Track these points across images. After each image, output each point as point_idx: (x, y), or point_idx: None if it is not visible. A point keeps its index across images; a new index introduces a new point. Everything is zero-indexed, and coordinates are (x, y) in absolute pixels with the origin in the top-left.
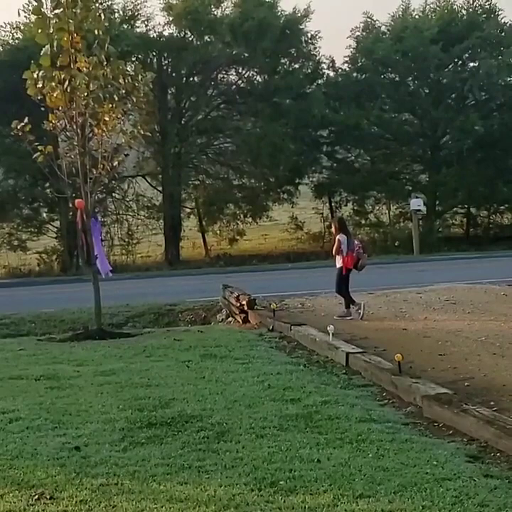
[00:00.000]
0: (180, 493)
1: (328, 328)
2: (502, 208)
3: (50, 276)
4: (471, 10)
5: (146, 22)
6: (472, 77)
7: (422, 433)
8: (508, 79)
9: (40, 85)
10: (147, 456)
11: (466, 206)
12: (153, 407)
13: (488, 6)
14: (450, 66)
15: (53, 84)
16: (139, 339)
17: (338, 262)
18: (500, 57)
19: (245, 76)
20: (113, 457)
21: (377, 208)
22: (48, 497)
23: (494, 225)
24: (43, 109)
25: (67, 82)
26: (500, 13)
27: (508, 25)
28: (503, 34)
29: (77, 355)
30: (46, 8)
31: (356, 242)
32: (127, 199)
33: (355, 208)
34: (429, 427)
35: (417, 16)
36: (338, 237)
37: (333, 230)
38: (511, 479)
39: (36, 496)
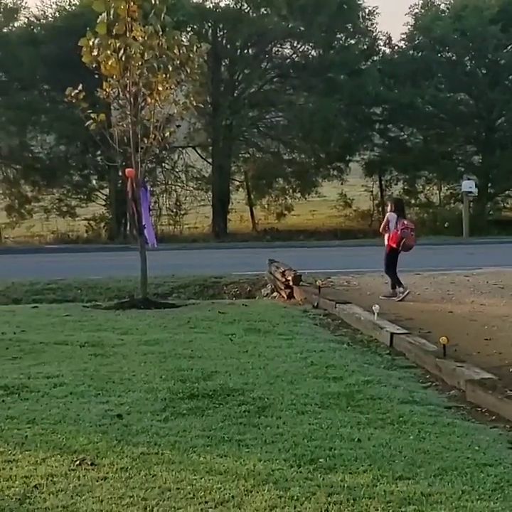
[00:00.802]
0: (219, 465)
1: (373, 307)
2: None
3: (97, 244)
4: None
5: None
6: None
7: (464, 417)
8: None
9: (95, 53)
10: (188, 428)
11: None
12: (196, 379)
13: None
14: (509, 47)
15: (108, 52)
16: (183, 310)
17: (386, 240)
18: None
19: (300, 50)
20: (154, 427)
21: (428, 188)
22: (89, 463)
23: None
24: (96, 77)
25: (122, 51)
26: None
27: None
28: None
29: (121, 323)
30: None
31: (406, 222)
32: (177, 170)
33: (406, 187)
34: (471, 412)
35: None
36: (387, 214)
37: (388, 208)
38: None
39: (77, 462)
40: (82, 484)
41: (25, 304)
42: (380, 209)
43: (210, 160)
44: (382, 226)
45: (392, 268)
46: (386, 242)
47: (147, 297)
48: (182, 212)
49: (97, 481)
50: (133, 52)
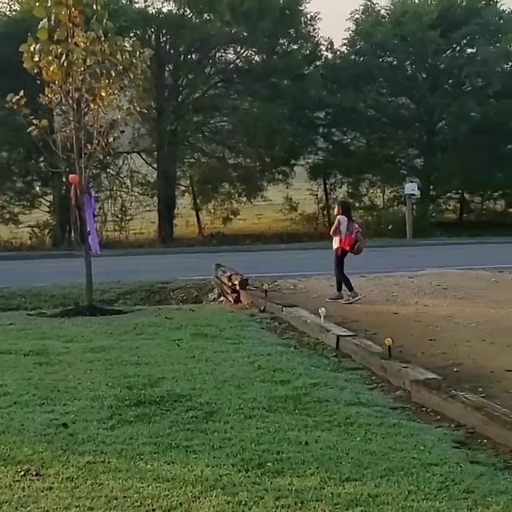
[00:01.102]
0: (167, 472)
1: (319, 310)
2: (496, 194)
3: (41, 251)
4: None
5: None
6: (470, 64)
7: (410, 418)
8: (506, 66)
9: (36, 59)
10: (135, 435)
11: (460, 192)
12: (143, 386)
13: None
14: (448, 52)
15: (50, 58)
16: (129, 316)
17: (335, 243)
18: (498, 44)
19: (244, 55)
20: (100, 435)
21: (372, 191)
22: (34, 473)
23: (487, 212)
24: (38, 82)
25: (64, 57)
26: (499, 0)
27: (506, 12)
28: (501, 21)
29: (67, 331)
30: None
31: (356, 225)
32: (121, 175)
33: (350, 190)
34: (417, 412)
35: (416, 1)
36: (338, 217)
37: (335, 212)
38: (497, 466)
39: (22, 472)
40: (27, 495)
41: None
42: (325, 212)
43: (155, 165)
44: (333, 229)
45: (342, 270)
46: (336, 245)
47: (93, 304)
48: (127, 217)
49: (42, 492)
50: (75, 58)
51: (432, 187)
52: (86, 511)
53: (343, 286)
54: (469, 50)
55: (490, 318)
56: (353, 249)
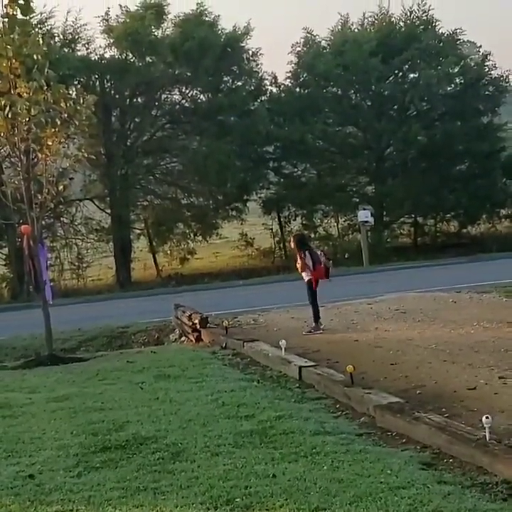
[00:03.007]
0: None
1: (280, 342)
2: (448, 216)
3: (1, 304)
4: (409, 22)
5: (86, 45)
6: (413, 88)
7: (375, 443)
8: (448, 89)
9: None
10: (102, 481)
11: (413, 216)
12: (108, 431)
13: (425, 18)
14: (390, 78)
15: None
16: (91, 363)
17: (306, 277)
18: (439, 67)
19: (189, 95)
20: (68, 483)
21: (326, 221)
22: None
23: (441, 233)
24: None
25: (7, 108)
26: (437, 24)
27: (445, 35)
28: (441, 45)
29: (29, 382)
30: None
31: (319, 252)
32: (76, 223)
33: (304, 222)
34: (382, 437)
35: (356, 30)
36: (302, 258)
37: (291, 245)
38: (464, 484)
39: None
40: None
41: None
42: (281, 246)
43: (108, 211)
44: (300, 267)
45: (316, 301)
46: (307, 278)
47: (53, 353)
48: (84, 265)
49: None
50: (19, 108)
51: (385, 213)
52: None
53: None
54: (411, 75)
55: (449, 338)
56: (328, 276)
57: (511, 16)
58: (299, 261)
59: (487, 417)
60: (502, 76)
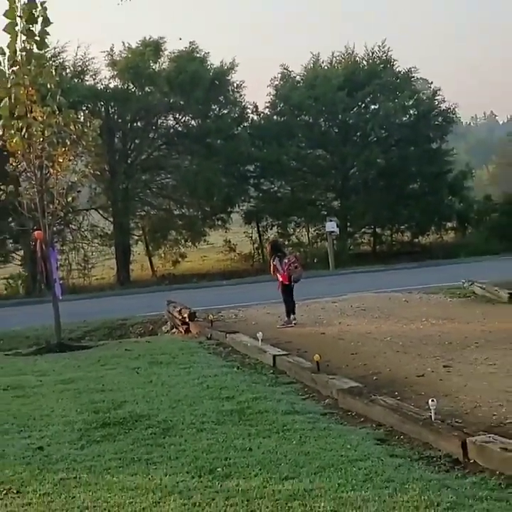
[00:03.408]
0: (130, 483)
1: (257, 334)
2: (402, 227)
3: (16, 299)
4: (370, 61)
5: (93, 76)
6: (373, 118)
7: (337, 421)
8: (403, 119)
9: (0, 133)
10: (102, 452)
11: (372, 227)
12: (107, 409)
13: (385, 57)
14: (355, 109)
15: (12, 131)
16: (94, 351)
17: (279, 278)
18: (396, 100)
19: (182, 121)
20: (72, 454)
21: (298, 230)
22: (15, 491)
23: (396, 242)
24: (4, 153)
25: (24, 130)
26: (395, 63)
27: (401, 73)
28: (398, 81)
29: (40, 366)
30: (4, 65)
31: (288, 260)
32: (82, 229)
33: (279, 231)
34: (343, 416)
35: (325, 67)
36: (273, 262)
37: (268, 250)
38: (413, 457)
39: (4, 491)
40: (9, 511)
41: None
42: (260, 251)
43: (111, 219)
44: (272, 272)
45: (289, 298)
46: (279, 280)
47: (62, 342)
48: (90, 266)
49: (22, 507)
50: (34, 130)
51: (348, 224)
52: None
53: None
54: (372, 107)
55: (402, 332)
56: (291, 281)
57: (458, 58)
58: (273, 268)
59: (433, 400)
60: (449, 108)
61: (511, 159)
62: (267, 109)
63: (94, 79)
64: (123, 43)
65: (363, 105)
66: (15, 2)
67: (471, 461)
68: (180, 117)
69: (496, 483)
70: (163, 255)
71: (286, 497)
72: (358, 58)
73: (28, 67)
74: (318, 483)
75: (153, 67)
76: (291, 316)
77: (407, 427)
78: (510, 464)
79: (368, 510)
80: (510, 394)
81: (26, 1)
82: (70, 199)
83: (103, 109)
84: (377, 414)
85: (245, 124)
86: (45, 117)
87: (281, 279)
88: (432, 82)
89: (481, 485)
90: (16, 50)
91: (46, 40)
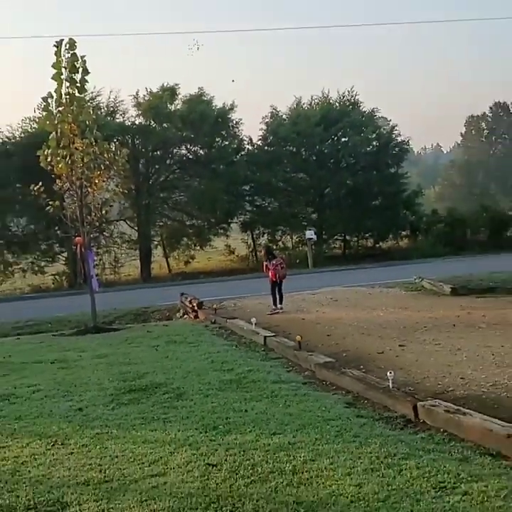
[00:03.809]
0: (151, 437)
1: (251, 320)
2: (366, 235)
3: (61, 291)
4: (342, 103)
5: (122, 115)
6: (344, 148)
7: (315, 389)
8: (368, 149)
9: (49, 159)
10: (128, 413)
11: (342, 235)
12: (133, 378)
13: (353, 100)
14: (329, 141)
15: (58, 158)
16: (122, 332)
17: (269, 275)
18: (362, 134)
19: (192, 150)
20: (105, 414)
21: (284, 237)
22: (60, 443)
23: (362, 247)
24: (52, 176)
25: (68, 157)
26: (361, 105)
27: (366, 112)
28: (363, 119)
29: (79, 344)
30: (52, 106)
31: (276, 261)
32: (113, 236)
33: (269, 237)
34: (319, 385)
35: (306, 108)
36: (265, 262)
37: (262, 253)
38: (375, 418)
39: (52, 443)
40: (56, 459)
41: (11, 337)
42: (254, 254)
43: (136, 228)
44: (264, 270)
45: (274, 292)
46: (269, 277)
47: (97, 325)
48: (119, 265)
49: (66, 456)
50: (76, 157)
51: (324, 233)
52: (96, 467)
53: (271, 301)
54: (343, 139)
55: (366, 318)
56: (277, 278)
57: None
58: (265, 267)
59: (390, 372)
60: (404, 141)
61: (452, 181)
62: (260, 141)
63: (123, 117)
64: (146, 88)
65: (336, 138)
66: (60, 56)
67: (421, 421)
68: (190, 147)
69: (440, 439)
70: (177, 257)
71: (274, 448)
72: (331, 101)
73: (71, 107)
74: (299, 438)
75: (170, 107)
76: (278, 305)
77: (370, 393)
78: (451, 423)
79: (339, 459)
80: (452, 367)
81: (69, 56)
82: (103, 212)
83: (130, 141)
84: (346, 383)
85: (242, 153)
86: (84, 147)
87: (271, 276)
88: (390, 120)
89: (428, 440)
90: (61, 94)
91: (85, 86)
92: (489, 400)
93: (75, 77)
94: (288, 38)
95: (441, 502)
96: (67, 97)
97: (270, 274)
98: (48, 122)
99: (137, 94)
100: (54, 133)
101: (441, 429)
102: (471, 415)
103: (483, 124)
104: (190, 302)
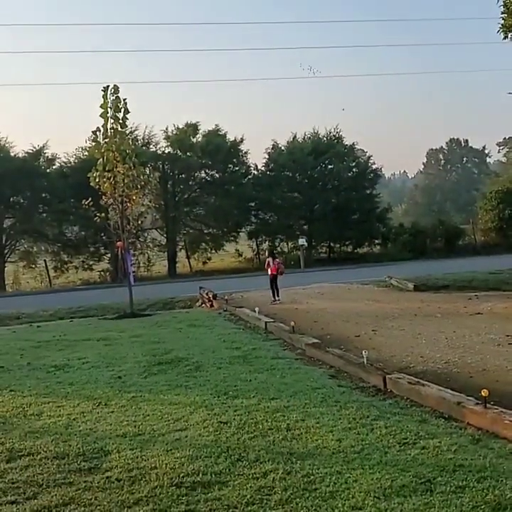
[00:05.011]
0: (175, 400)
1: (255, 309)
2: (347, 242)
3: (105, 284)
4: (328, 137)
5: (155, 145)
6: (330, 173)
7: (305, 364)
8: (349, 174)
9: (97, 180)
10: (158, 381)
11: (328, 242)
12: (161, 354)
13: (337, 135)
14: (318, 167)
15: (104, 179)
16: (153, 317)
17: (269, 271)
18: (344, 162)
19: (210, 174)
20: (139, 382)
21: (281, 244)
22: (104, 404)
23: (342, 252)
24: (99, 193)
25: (112, 179)
26: (343, 139)
27: (348, 145)
28: (345, 150)
29: (119, 326)
30: (100, 138)
31: (278, 261)
32: (147, 241)
33: (270, 244)
34: (309, 361)
35: (300, 141)
36: (267, 259)
37: (267, 254)
38: (352, 387)
39: (97, 404)
40: (100, 416)
41: (66, 319)
42: (257, 256)
43: (165, 235)
44: (266, 266)
45: (273, 286)
46: (269, 273)
47: (133, 311)
48: (151, 264)
49: (108, 414)
50: (118, 179)
51: (313, 240)
52: (132, 422)
53: (271, 294)
54: (329, 166)
55: (345, 308)
56: (277, 273)
57: (383, 137)
58: (267, 264)
59: (365, 352)
60: (377, 168)
61: (416, 201)
62: (263, 167)
63: (155, 147)
64: (174, 125)
65: (324, 165)
66: (107, 98)
67: (389, 390)
68: (208, 172)
69: (404, 404)
70: (196, 258)
71: (273, 410)
72: (320, 135)
73: (115, 139)
74: (292, 402)
75: (192, 140)
76: (276, 298)
77: (349, 368)
78: (413, 392)
79: (324, 419)
80: (413, 348)
81: (114, 98)
82: (139, 222)
83: (161, 167)
84: (329, 360)
85: (249, 177)
86: (124, 171)
87: (270, 272)
88: (366, 152)
89: (395, 405)
90: (107, 128)
91: (126, 122)
92: (443, 374)
93: (118, 115)
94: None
95: (404, 454)
96: (112, 131)
97: (272, 270)
98: (96, 151)
99: (167, 129)
100: (101, 159)
101: (405, 397)
102: (429, 386)
103: (440, 155)
104: (207, 294)
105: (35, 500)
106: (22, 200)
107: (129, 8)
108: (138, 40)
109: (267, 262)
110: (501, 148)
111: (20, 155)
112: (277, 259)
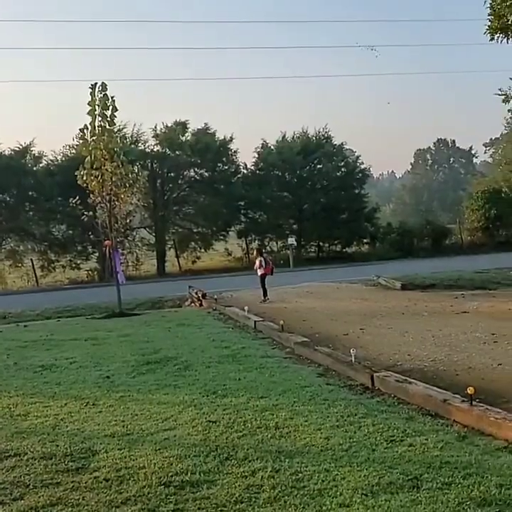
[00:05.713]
0: (164, 399)
1: (244, 308)
2: (336, 242)
3: (93, 283)
4: (317, 137)
5: (143, 144)
6: (319, 173)
7: (294, 362)
8: (337, 174)
9: (84, 178)
10: (146, 380)
11: (317, 241)
12: (150, 353)
13: (326, 135)
14: (307, 167)
15: (92, 177)
16: (142, 317)
17: (259, 271)
18: (333, 162)
19: (199, 173)
20: (127, 381)
21: (271, 243)
22: (91, 404)
23: (331, 251)
24: (87, 191)
25: (100, 177)
26: (332, 139)
27: (336, 145)
28: (334, 150)
29: (108, 326)
30: (87, 136)
31: (268, 260)
32: (136, 240)
33: (259, 243)
34: (298, 359)
35: (289, 140)
36: (258, 259)
37: (256, 253)
38: (340, 385)
39: (85, 404)
40: (88, 416)
41: (53, 319)
42: (247, 255)
43: (153, 234)
44: (257, 266)
45: (263, 286)
46: (260, 273)
47: (121, 311)
48: (140, 263)
49: (96, 414)
50: (106, 177)
51: (302, 239)
52: (120, 422)
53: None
54: (318, 166)
55: (334, 307)
56: (272, 273)
57: (371, 137)
58: (256, 263)
59: (353, 350)
60: (365, 168)
61: (403, 200)
62: (253, 166)
63: (144, 145)
64: (162, 123)
65: (313, 165)
66: (94, 96)
67: (376, 388)
68: (198, 171)
69: (391, 402)
70: (186, 257)
71: (261, 409)
72: (309, 135)
73: (103, 137)
74: (281, 400)
75: (182, 138)
76: (266, 297)
77: (337, 366)
78: (400, 390)
79: (312, 417)
80: (401, 346)
81: (101, 96)
82: (128, 221)
83: (149, 165)
84: (318, 358)
85: (239, 176)
86: (113, 169)
87: (260, 272)
88: (355, 151)
89: (382, 403)
90: (95, 126)
91: (114, 120)
92: (430, 372)
93: (106, 113)
94: (273, 82)
95: (392, 452)
96: (100, 128)
97: (262, 270)
98: (84, 148)
99: (155, 128)
100: (89, 157)
101: (392, 395)
102: (416, 384)
103: (428, 155)
104: (196, 293)
105: (22, 501)
106: (8, 199)
107: (117, 6)
108: (125, 39)
109: (258, 262)
110: (488, 148)
111: (6, 153)
112: (267, 259)
